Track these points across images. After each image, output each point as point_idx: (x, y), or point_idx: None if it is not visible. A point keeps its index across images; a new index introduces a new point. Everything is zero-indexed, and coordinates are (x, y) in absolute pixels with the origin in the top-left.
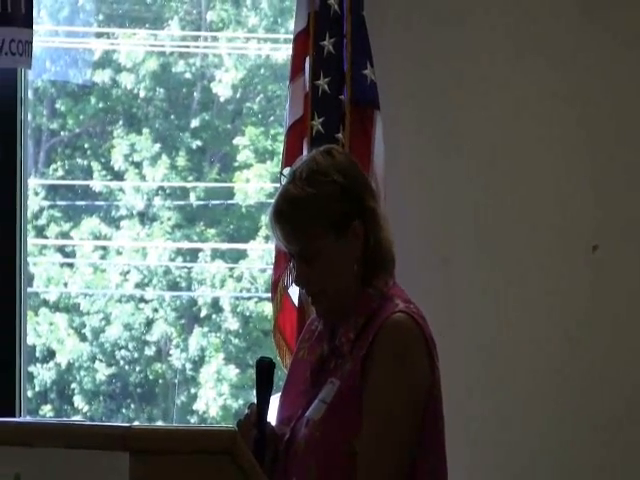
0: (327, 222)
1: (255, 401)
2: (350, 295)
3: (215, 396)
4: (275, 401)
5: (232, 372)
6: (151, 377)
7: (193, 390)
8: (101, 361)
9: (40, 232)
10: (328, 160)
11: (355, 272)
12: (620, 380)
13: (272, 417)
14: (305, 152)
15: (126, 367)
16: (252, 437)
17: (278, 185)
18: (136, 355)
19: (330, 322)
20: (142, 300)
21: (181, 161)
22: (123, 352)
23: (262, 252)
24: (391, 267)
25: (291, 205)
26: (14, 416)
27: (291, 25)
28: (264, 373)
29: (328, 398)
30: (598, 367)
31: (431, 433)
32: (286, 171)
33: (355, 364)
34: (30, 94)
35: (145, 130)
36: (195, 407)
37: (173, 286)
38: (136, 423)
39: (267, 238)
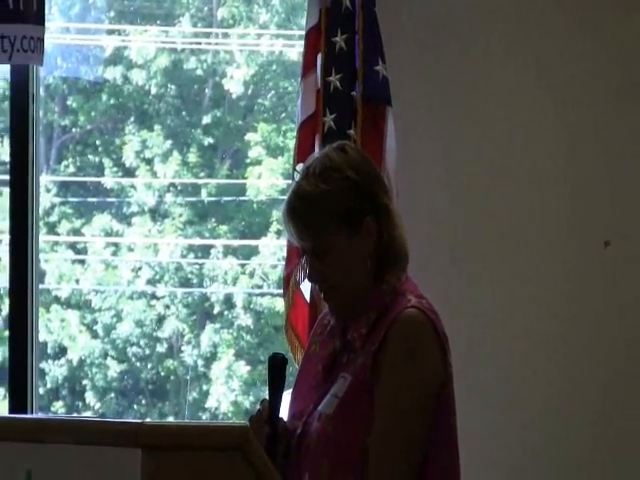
0: (340, 218)
1: (267, 397)
2: (362, 291)
3: (226, 392)
4: (287, 397)
5: (243, 368)
6: (163, 374)
7: (205, 387)
8: (113, 358)
9: (52, 229)
10: (341, 157)
11: (368, 268)
12: (634, 380)
13: (284, 412)
14: (317, 148)
15: (137, 364)
16: (264, 433)
17: (290, 181)
18: (148, 352)
19: (342, 318)
20: (154, 297)
21: (192, 157)
22: (135, 349)
23: (274, 248)
24: (404, 263)
25: (304, 201)
26: (26, 413)
27: (303, 21)
28: (276, 369)
29: (340, 393)
30: (612, 364)
31: (443, 429)
32: (299, 167)
33: (367, 359)
34: (42, 91)
35: (156, 127)
36: (207, 404)
37: (185, 282)
38: (148, 419)
39: (279, 234)
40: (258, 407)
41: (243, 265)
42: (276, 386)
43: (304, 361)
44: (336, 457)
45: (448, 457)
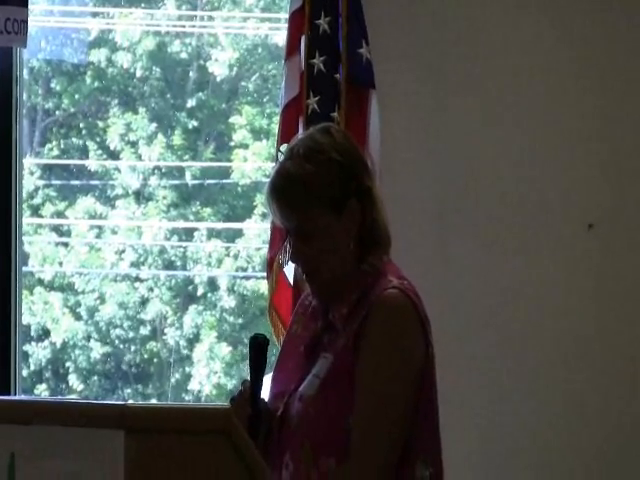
0: (324, 200)
1: (249, 378)
2: (345, 273)
3: (209, 374)
4: (268, 378)
5: (225, 350)
6: (146, 356)
7: (188, 369)
8: (96, 340)
9: (35, 211)
10: (326, 138)
11: (350, 250)
12: (622, 366)
13: (265, 393)
14: (301, 131)
15: (121, 346)
16: (246, 414)
17: (274, 164)
18: (131, 334)
19: (324, 299)
20: (137, 279)
21: (177, 140)
22: (118, 331)
23: (258, 231)
24: (387, 246)
25: (288, 181)
26: (9, 395)
27: (288, 5)
28: (258, 350)
29: (321, 373)
30: (598, 349)
31: (425, 411)
32: (283, 148)
33: (348, 339)
34: (25, 74)
35: (141, 109)
36: (190, 386)
37: (168, 265)
38: (131, 401)
39: (263, 216)
40: (240, 388)
41: (227, 248)
42: (257, 367)
43: (285, 341)
44: (318, 438)
45: (430, 436)
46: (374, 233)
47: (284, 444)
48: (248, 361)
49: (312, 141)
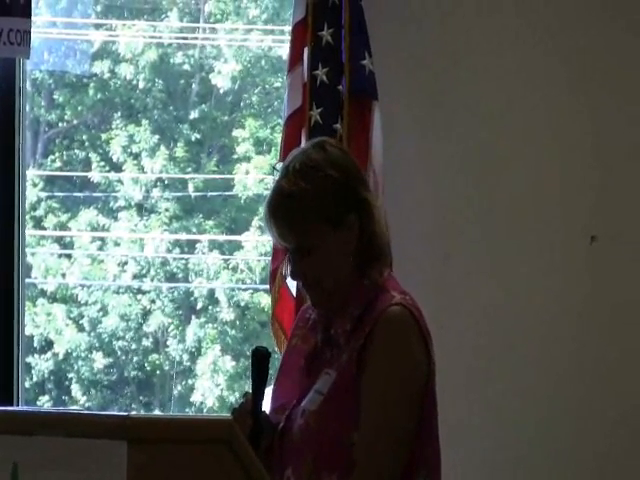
0: (322, 216)
1: (250, 390)
2: (346, 287)
3: (211, 387)
4: (269, 390)
5: (228, 364)
6: (148, 368)
7: (190, 381)
8: (98, 351)
9: (38, 223)
10: (321, 154)
11: (351, 265)
12: (621, 376)
13: (266, 405)
14: (303, 142)
15: (123, 357)
16: (247, 425)
17: (273, 177)
18: (133, 346)
19: (325, 313)
20: (139, 291)
21: (179, 152)
22: (120, 343)
23: (257, 243)
24: (387, 259)
25: (286, 201)
26: (12, 407)
27: (290, 17)
28: (260, 362)
29: (324, 389)
30: (598, 360)
31: (427, 425)
32: (278, 166)
33: (351, 355)
34: (28, 85)
35: (144, 121)
36: (192, 398)
37: (170, 277)
38: (134, 412)
39: (262, 229)
40: (241, 400)
41: (227, 260)
42: (259, 379)
43: (286, 354)
44: (320, 453)
45: (431, 451)
46: (374, 246)
47: (286, 459)
48: (250, 373)
49: (307, 158)
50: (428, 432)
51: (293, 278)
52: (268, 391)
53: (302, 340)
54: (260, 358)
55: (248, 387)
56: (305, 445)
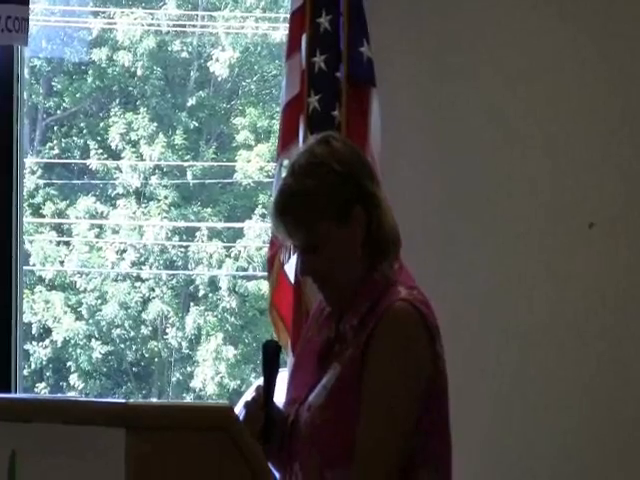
0: (330, 212)
1: (262, 383)
2: (356, 280)
3: (212, 374)
4: (283, 381)
5: (228, 351)
6: (147, 355)
7: (189, 369)
8: (97, 339)
9: (36, 210)
10: (325, 150)
11: (360, 258)
12: (623, 362)
13: (279, 398)
14: (302, 129)
15: (122, 345)
16: (260, 419)
17: (275, 164)
18: (132, 334)
19: (337, 308)
20: (138, 279)
21: (178, 140)
22: (119, 331)
23: (258, 230)
24: (396, 250)
25: (292, 199)
26: (10, 394)
27: (288, 4)
28: (271, 355)
29: (329, 384)
30: (599, 349)
31: (435, 420)
32: (285, 163)
33: (355, 351)
34: (26, 73)
35: (142, 109)
36: (191, 385)
37: (169, 265)
38: (132, 400)
39: (263, 216)
40: (253, 393)
41: (228, 248)
42: (270, 372)
43: (300, 346)
44: (324, 448)
45: (441, 446)
46: (381, 237)
47: (294, 454)
48: (262, 367)
49: (311, 155)
50: (437, 427)
51: (302, 275)
52: (281, 383)
53: (316, 332)
54: (271, 352)
55: (248, 374)
56: (311, 440)
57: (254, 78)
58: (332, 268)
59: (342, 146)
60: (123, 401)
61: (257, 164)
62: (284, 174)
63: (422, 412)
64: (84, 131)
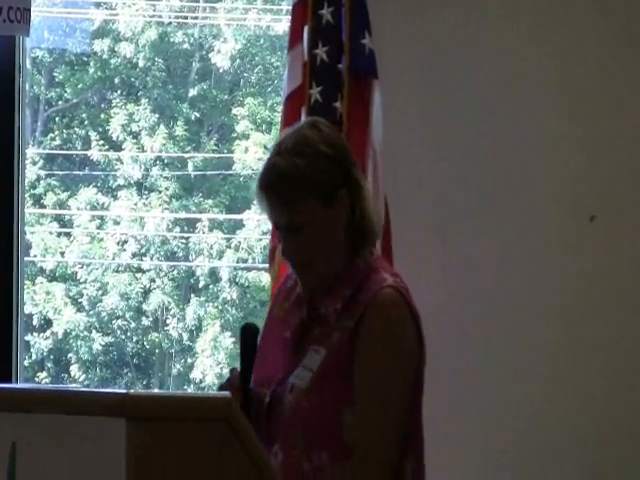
0: (315, 192)
1: (238, 366)
2: (338, 265)
3: (212, 364)
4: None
5: (228, 341)
6: (148, 347)
7: (190, 359)
8: (98, 330)
9: (37, 201)
10: (313, 132)
11: (342, 242)
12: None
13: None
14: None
15: (123, 337)
16: (237, 401)
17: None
18: (133, 325)
19: (315, 292)
20: (139, 270)
21: (179, 131)
22: (120, 322)
23: (258, 222)
24: (375, 238)
25: (279, 177)
26: (11, 384)
27: None
28: (249, 338)
29: (314, 366)
30: (597, 343)
31: (415, 408)
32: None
33: (343, 335)
34: (28, 63)
35: (143, 100)
36: (192, 376)
37: (170, 256)
38: (132, 390)
39: None
40: (228, 375)
41: (229, 239)
42: (248, 355)
43: (266, 324)
44: (311, 431)
45: (419, 435)
46: (364, 224)
47: (274, 434)
48: (239, 349)
49: (300, 136)
50: (416, 414)
51: (284, 256)
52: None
53: (287, 313)
54: (249, 334)
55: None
56: (295, 422)
57: (256, 70)
58: (315, 249)
59: (330, 131)
60: (124, 391)
61: (256, 155)
62: (269, 154)
63: (412, 398)
64: (85, 122)
